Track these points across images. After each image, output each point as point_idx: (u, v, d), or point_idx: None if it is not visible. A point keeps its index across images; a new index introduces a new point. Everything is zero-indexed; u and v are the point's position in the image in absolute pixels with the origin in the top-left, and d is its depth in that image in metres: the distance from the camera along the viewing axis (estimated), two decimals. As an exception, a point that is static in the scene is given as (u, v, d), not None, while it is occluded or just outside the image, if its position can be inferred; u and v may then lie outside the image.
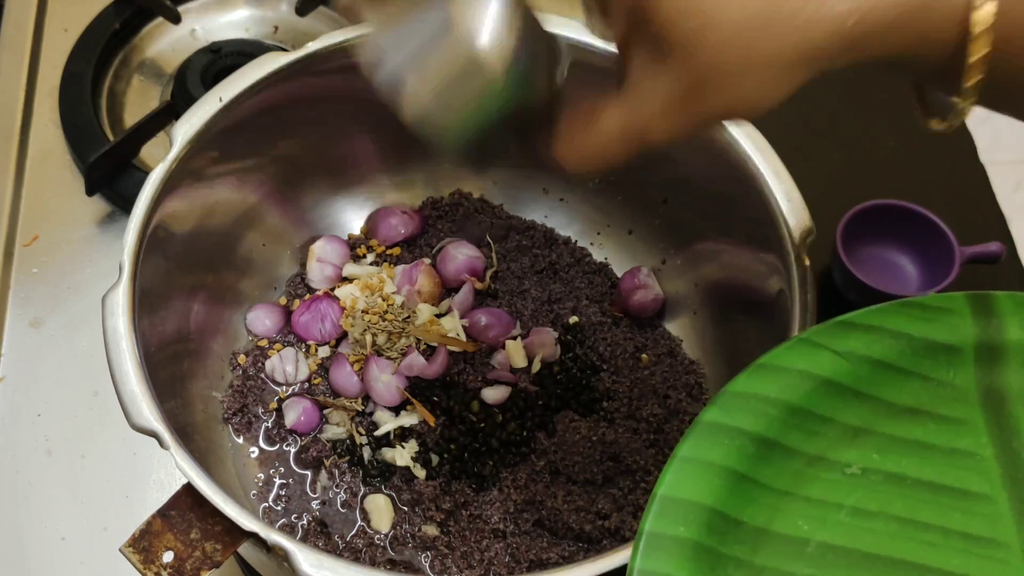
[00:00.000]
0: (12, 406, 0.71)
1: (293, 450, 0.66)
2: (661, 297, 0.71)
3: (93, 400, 0.71)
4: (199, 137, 0.60)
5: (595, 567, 0.47)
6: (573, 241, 0.75)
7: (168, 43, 0.89)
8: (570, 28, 0.64)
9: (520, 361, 0.68)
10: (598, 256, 0.74)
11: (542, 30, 0.43)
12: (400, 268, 0.71)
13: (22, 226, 0.78)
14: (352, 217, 0.75)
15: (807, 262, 0.56)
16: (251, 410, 0.67)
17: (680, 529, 0.41)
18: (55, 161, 0.81)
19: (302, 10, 0.90)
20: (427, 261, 0.72)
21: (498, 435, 0.64)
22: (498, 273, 0.73)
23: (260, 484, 0.64)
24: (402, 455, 0.64)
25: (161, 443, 0.50)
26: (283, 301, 0.72)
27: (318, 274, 0.71)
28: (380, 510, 0.63)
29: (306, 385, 0.68)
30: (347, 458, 0.65)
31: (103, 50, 0.86)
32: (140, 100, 0.86)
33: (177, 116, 0.67)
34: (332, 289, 0.71)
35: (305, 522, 0.63)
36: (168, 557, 0.48)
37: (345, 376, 0.66)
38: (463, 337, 0.68)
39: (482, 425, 0.65)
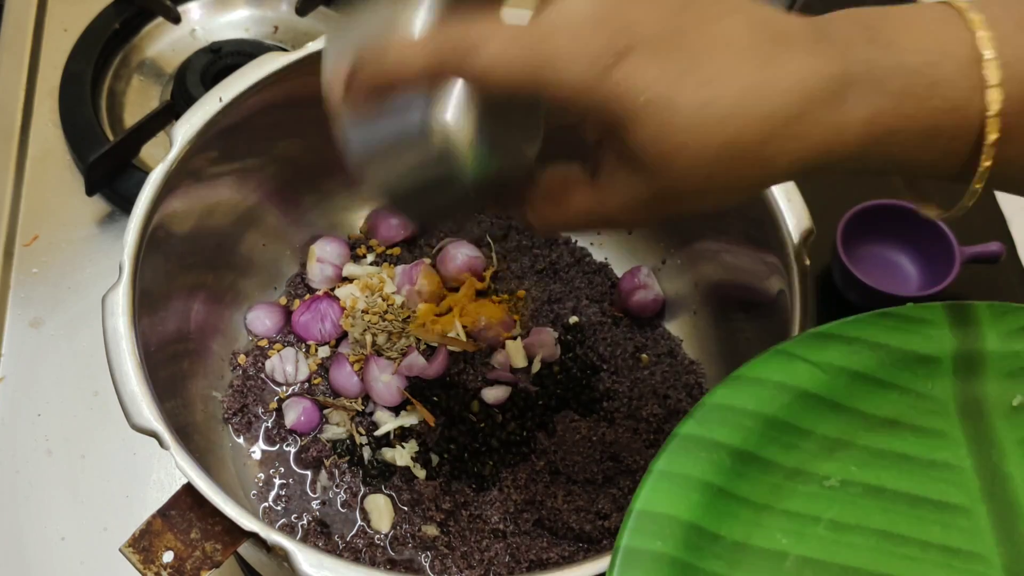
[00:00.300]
0: (12, 406, 0.71)
1: (293, 450, 0.66)
2: (661, 297, 0.71)
3: (93, 400, 0.71)
4: (199, 137, 0.60)
5: (595, 567, 0.47)
6: (573, 241, 0.75)
7: (168, 43, 0.89)
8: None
9: (520, 361, 0.68)
10: (598, 256, 0.74)
11: (515, 110, 0.44)
12: (400, 268, 0.71)
13: (22, 226, 0.78)
14: (352, 217, 0.75)
15: (807, 262, 0.56)
16: (251, 410, 0.67)
17: (657, 544, 0.40)
18: (55, 161, 0.81)
19: (302, 10, 0.90)
20: (427, 261, 0.72)
21: (498, 435, 0.64)
22: (498, 273, 0.73)
23: (260, 484, 0.64)
24: (402, 455, 0.64)
25: (161, 443, 0.50)
26: (283, 301, 0.72)
27: (318, 274, 0.71)
28: (380, 510, 0.63)
29: (306, 385, 0.68)
30: (347, 458, 0.65)
31: (103, 50, 0.86)
32: (140, 100, 0.86)
33: (177, 116, 0.67)
34: (332, 289, 0.71)
35: (305, 522, 0.63)
36: (168, 557, 0.48)
37: (345, 376, 0.66)
38: (463, 337, 0.68)
39: (482, 425, 0.65)
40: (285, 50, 0.65)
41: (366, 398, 0.67)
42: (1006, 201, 0.84)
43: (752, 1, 0.38)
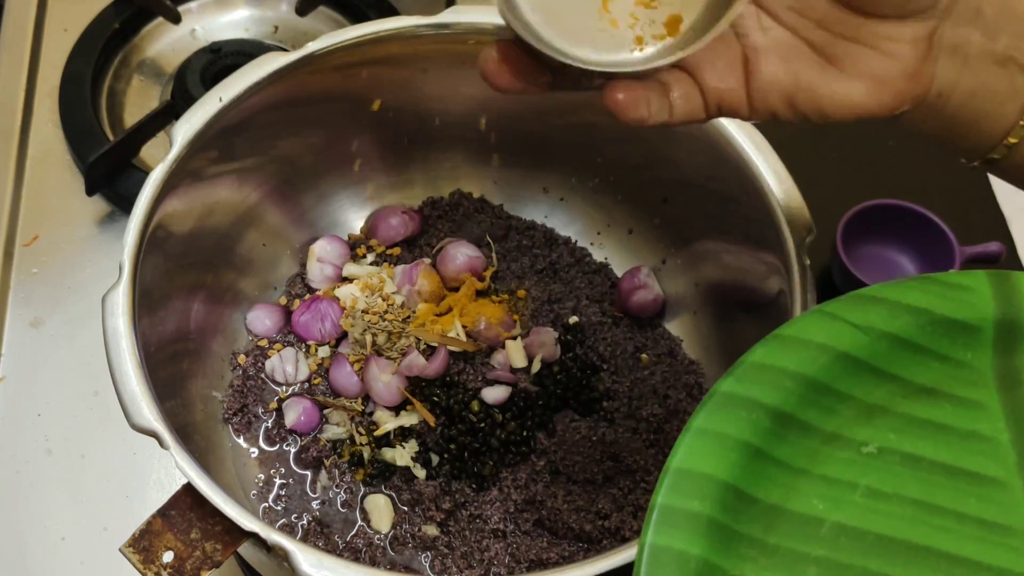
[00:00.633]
0: (12, 406, 0.71)
1: (293, 450, 0.66)
2: (661, 297, 0.71)
3: (93, 400, 0.71)
4: (199, 137, 0.60)
5: (595, 567, 0.47)
6: (573, 241, 0.75)
7: (168, 43, 0.89)
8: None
9: (520, 361, 0.68)
10: (598, 256, 0.74)
11: None
12: (400, 268, 0.71)
13: (22, 226, 0.78)
14: (352, 217, 0.75)
15: (807, 262, 0.56)
16: (251, 410, 0.67)
17: (694, 503, 0.39)
18: (55, 161, 0.81)
19: (302, 10, 0.90)
20: (427, 261, 0.72)
21: (498, 435, 0.64)
22: (498, 273, 0.73)
23: (260, 484, 0.64)
24: (402, 455, 0.64)
25: (161, 443, 0.50)
26: (283, 301, 0.72)
27: (318, 274, 0.71)
28: (380, 510, 0.63)
29: (306, 385, 0.68)
30: (347, 458, 0.65)
31: (103, 50, 0.86)
32: (140, 100, 0.86)
33: (177, 116, 0.67)
34: (332, 289, 0.71)
35: (305, 522, 0.63)
36: (168, 557, 0.48)
37: (345, 376, 0.66)
38: (463, 337, 0.68)
39: (482, 425, 0.65)
40: (285, 50, 0.65)
41: (366, 398, 0.67)
42: (1006, 201, 0.84)
43: None
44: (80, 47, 0.85)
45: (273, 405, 0.67)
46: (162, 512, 0.49)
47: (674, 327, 0.71)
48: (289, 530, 0.62)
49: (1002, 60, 0.41)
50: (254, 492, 0.64)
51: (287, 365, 0.68)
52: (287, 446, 0.66)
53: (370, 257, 0.73)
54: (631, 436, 0.64)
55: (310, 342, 0.69)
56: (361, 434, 0.65)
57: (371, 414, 0.67)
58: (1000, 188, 0.86)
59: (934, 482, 0.42)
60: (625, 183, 0.72)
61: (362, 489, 0.64)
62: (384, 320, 0.68)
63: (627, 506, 0.62)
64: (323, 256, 0.71)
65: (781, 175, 0.59)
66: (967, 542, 0.40)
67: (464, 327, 0.68)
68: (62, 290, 0.75)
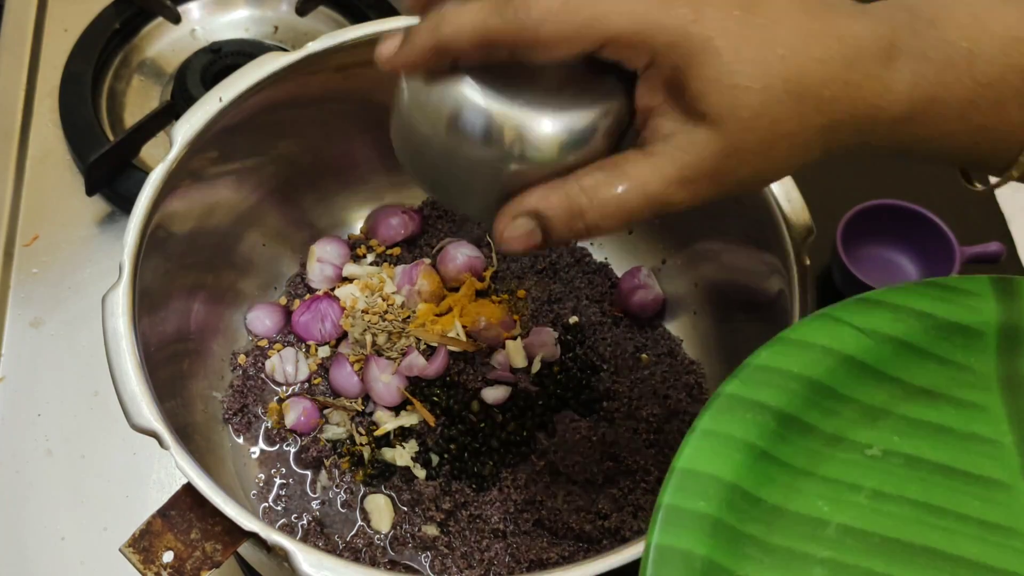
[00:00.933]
0: (12, 406, 0.71)
1: (293, 450, 0.66)
2: (661, 297, 0.71)
3: (93, 400, 0.71)
4: (199, 137, 0.60)
5: (595, 567, 0.47)
6: (573, 241, 0.75)
7: (168, 43, 0.89)
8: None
9: (520, 361, 0.68)
10: (598, 256, 0.74)
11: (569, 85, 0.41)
12: (400, 268, 0.71)
13: (22, 226, 0.78)
14: (352, 217, 0.75)
15: (807, 262, 0.56)
16: (251, 410, 0.67)
17: (700, 504, 0.40)
18: (55, 161, 0.81)
19: (302, 10, 0.90)
20: (427, 261, 0.72)
21: (498, 435, 0.64)
22: (498, 273, 0.73)
23: (260, 484, 0.64)
24: (402, 455, 0.64)
25: (161, 443, 0.50)
26: (283, 301, 0.72)
27: (318, 274, 0.71)
28: (380, 510, 0.63)
29: (306, 385, 0.68)
30: (347, 458, 0.65)
31: (103, 50, 0.86)
32: (140, 100, 0.86)
33: (177, 116, 0.67)
34: (332, 289, 0.71)
35: (305, 522, 0.63)
36: (168, 557, 0.48)
37: (345, 376, 0.66)
38: (463, 337, 0.68)
39: (482, 425, 0.65)
40: (285, 50, 0.65)
41: (366, 398, 0.67)
42: (1006, 201, 0.84)
43: None
44: (80, 47, 0.85)
45: (273, 406, 0.67)
46: (162, 512, 0.49)
47: (674, 327, 0.71)
48: (289, 530, 0.62)
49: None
50: (254, 492, 0.64)
51: (287, 365, 0.68)
52: (287, 446, 0.66)
53: (370, 257, 0.73)
54: (631, 436, 0.64)
55: (310, 342, 0.69)
56: (361, 434, 0.65)
57: (371, 414, 0.67)
58: (1000, 188, 0.85)
59: (937, 484, 0.42)
60: (625, 183, 0.72)
61: (362, 489, 0.64)
62: (384, 320, 0.68)
63: (627, 506, 0.62)
64: (323, 256, 0.71)
65: (781, 175, 0.59)
66: (970, 543, 0.40)
67: (464, 327, 0.68)
68: (62, 290, 0.75)
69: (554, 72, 0.40)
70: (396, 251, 0.73)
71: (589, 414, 0.66)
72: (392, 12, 0.87)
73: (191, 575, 0.48)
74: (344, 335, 0.69)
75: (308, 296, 0.71)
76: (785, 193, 0.58)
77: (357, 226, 0.75)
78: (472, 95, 0.40)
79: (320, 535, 0.62)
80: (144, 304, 0.56)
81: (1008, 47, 0.38)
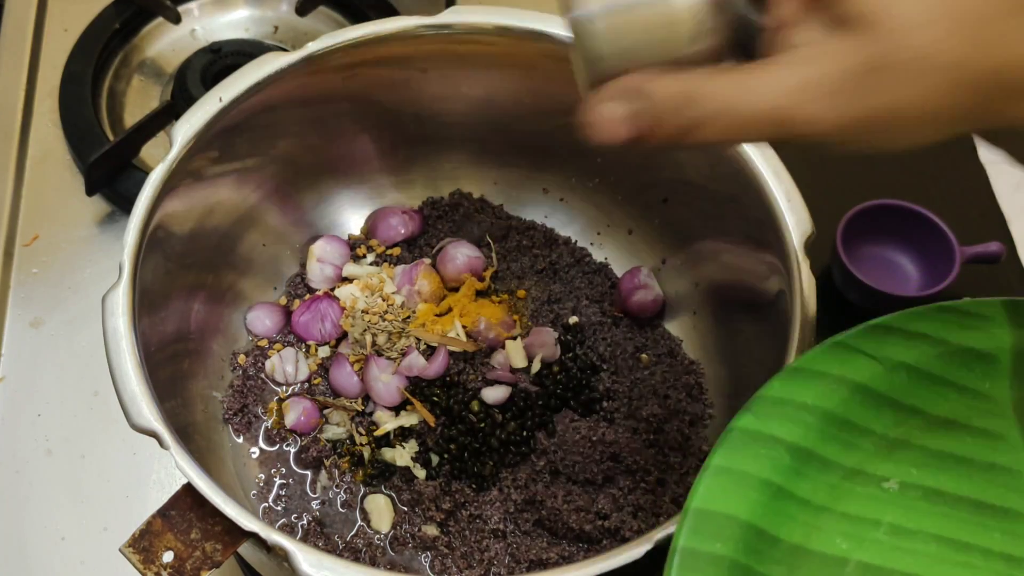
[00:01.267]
0: (12, 406, 0.71)
1: (293, 450, 0.66)
2: (661, 297, 0.71)
3: (93, 400, 0.71)
4: (199, 137, 0.60)
5: (595, 567, 0.47)
6: (573, 241, 0.75)
7: (168, 43, 0.89)
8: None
9: (520, 361, 0.68)
10: (598, 256, 0.74)
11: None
12: (400, 268, 0.71)
13: (22, 226, 0.78)
14: (352, 217, 0.75)
15: (807, 262, 0.56)
16: (251, 410, 0.67)
17: (716, 546, 0.38)
18: (55, 161, 0.81)
19: (302, 10, 0.90)
20: (427, 261, 0.72)
21: (498, 435, 0.64)
22: (498, 273, 0.73)
23: (260, 484, 0.64)
24: (402, 455, 0.64)
25: (161, 443, 0.50)
26: (283, 301, 0.72)
27: (318, 274, 0.71)
28: (380, 510, 0.63)
29: (306, 385, 0.68)
30: (347, 458, 0.65)
31: (103, 50, 0.86)
32: (140, 100, 0.86)
33: (177, 116, 0.67)
34: (332, 289, 0.71)
35: (305, 522, 0.63)
36: (168, 557, 0.48)
37: (345, 376, 0.66)
38: (463, 337, 0.68)
39: (482, 425, 0.65)
40: (285, 50, 0.65)
41: (366, 398, 0.67)
42: (1006, 201, 0.84)
43: None
44: (80, 47, 0.85)
45: (273, 405, 0.67)
46: (162, 512, 0.49)
47: (674, 327, 0.71)
48: (289, 530, 0.62)
49: None
50: (254, 492, 0.64)
51: (287, 365, 0.68)
52: (287, 446, 0.66)
53: (370, 257, 0.73)
54: (631, 436, 0.64)
55: (310, 342, 0.69)
56: (361, 434, 0.65)
57: (371, 414, 0.67)
58: (1000, 188, 0.85)
59: (958, 517, 0.41)
60: (625, 183, 0.72)
61: (362, 489, 0.64)
62: (384, 320, 0.68)
63: (627, 506, 0.62)
64: (323, 256, 0.71)
65: (781, 175, 0.59)
66: None
67: (464, 327, 0.68)
68: (62, 290, 0.75)
69: None
70: (396, 251, 0.73)
71: (589, 414, 0.66)
72: (392, 12, 0.87)
73: (191, 575, 0.48)
74: (344, 335, 0.69)
75: (308, 296, 0.71)
76: (785, 193, 0.58)
77: (357, 226, 0.75)
78: None
79: (320, 535, 0.62)
80: (144, 304, 0.56)
81: None
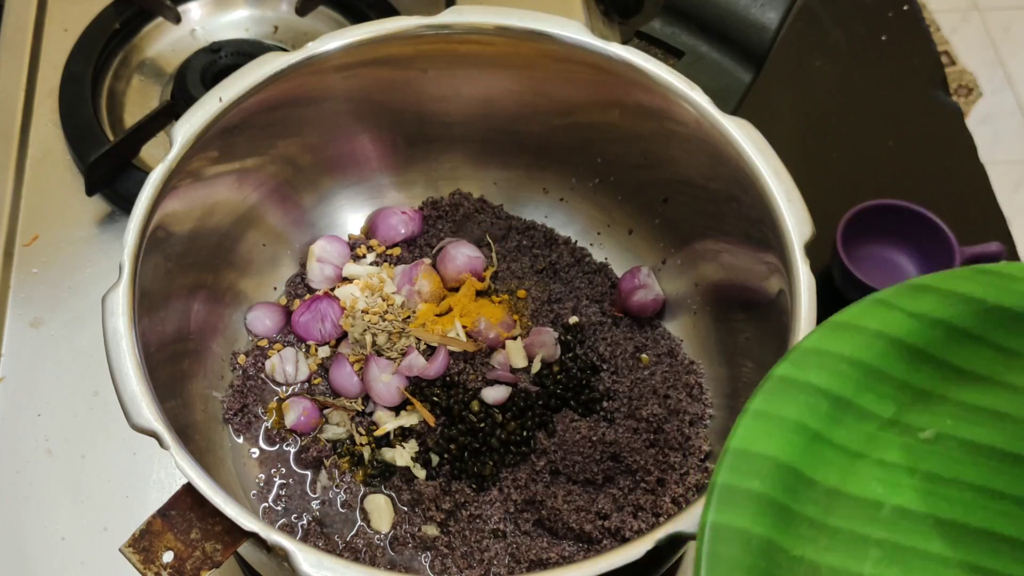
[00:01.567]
0: (12, 406, 0.71)
1: (293, 450, 0.66)
2: (661, 297, 0.71)
3: (93, 400, 0.71)
4: (199, 137, 0.60)
5: (595, 567, 0.47)
6: (573, 241, 0.75)
7: (168, 43, 0.89)
8: (570, 28, 0.64)
9: (520, 361, 0.68)
10: (598, 256, 0.74)
11: None
12: (400, 268, 0.71)
13: (22, 226, 0.78)
14: (352, 217, 0.75)
15: (807, 262, 0.56)
16: (251, 410, 0.67)
17: (755, 483, 0.39)
18: (55, 161, 0.81)
19: (302, 10, 0.90)
20: (427, 261, 0.72)
21: (498, 435, 0.64)
22: (498, 273, 0.73)
23: (260, 484, 0.64)
24: (402, 455, 0.64)
25: (161, 443, 0.50)
26: (283, 301, 0.72)
27: (318, 274, 0.71)
28: (380, 510, 0.63)
29: (306, 385, 0.68)
30: (347, 458, 0.65)
31: (103, 50, 0.86)
32: (140, 100, 0.86)
33: (177, 116, 0.67)
34: (332, 289, 0.71)
35: (305, 522, 0.63)
36: (168, 557, 0.48)
37: (345, 376, 0.66)
38: (463, 337, 0.68)
39: (482, 425, 0.65)
40: (285, 50, 0.65)
41: (366, 398, 0.67)
42: (1006, 201, 0.84)
43: None
44: (80, 47, 0.85)
45: (273, 405, 0.67)
46: (162, 512, 0.49)
47: (674, 327, 0.71)
48: (289, 530, 0.62)
49: None
50: (254, 492, 0.64)
51: (287, 365, 0.68)
52: (287, 446, 0.66)
53: (370, 257, 0.73)
54: (631, 436, 0.64)
55: (310, 342, 0.69)
56: (361, 434, 0.65)
57: (371, 414, 0.67)
58: (1000, 188, 0.86)
59: (993, 467, 0.42)
60: (625, 183, 0.72)
61: (362, 489, 0.64)
62: (384, 320, 0.69)
63: (627, 506, 0.62)
64: (323, 256, 0.71)
65: (781, 175, 0.59)
66: None
67: (464, 327, 0.68)
68: (62, 290, 0.75)
69: None
70: (396, 251, 0.73)
71: (589, 414, 0.66)
72: (392, 12, 0.87)
73: (191, 575, 0.48)
74: (344, 335, 0.69)
75: (308, 296, 0.71)
76: (785, 193, 0.58)
77: (357, 226, 0.75)
78: None
79: (320, 535, 0.62)
80: (144, 304, 0.56)
81: None
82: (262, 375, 0.68)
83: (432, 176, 0.75)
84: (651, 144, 0.67)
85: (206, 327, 0.66)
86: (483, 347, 0.68)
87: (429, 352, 0.67)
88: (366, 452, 0.65)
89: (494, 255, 0.73)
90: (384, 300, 0.69)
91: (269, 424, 0.66)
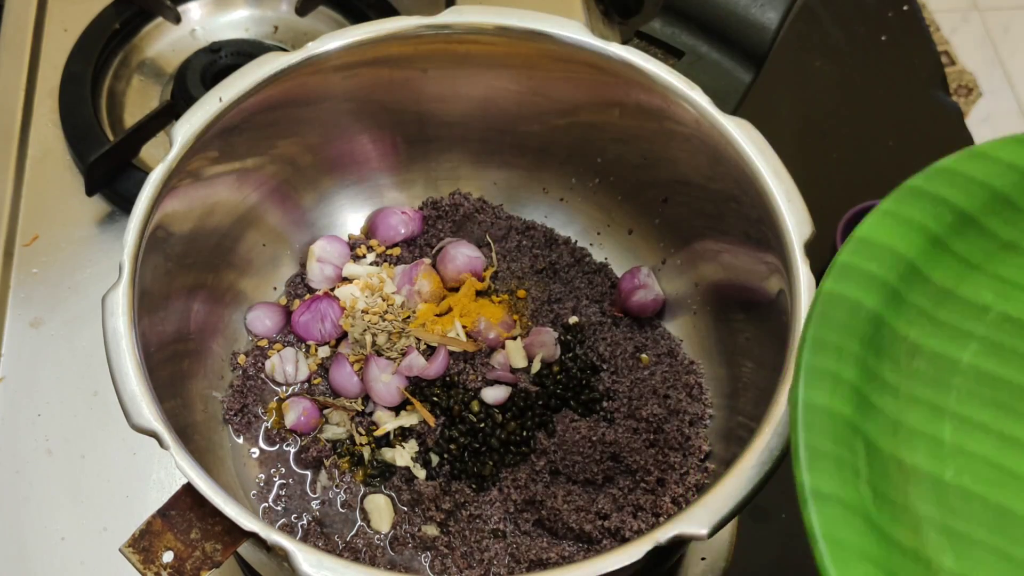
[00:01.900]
0: (12, 406, 0.71)
1: (293, 450, 0.66)
2: (661, 297, 0.71)
3: (93, 400, 0.71)
4: (199, 137, 0.60)
5: (595, 567, 0.47)
6: (573, 241, 0.75)
7: (168, 43, 0.89)
8: (570, 28, 0.64)
9: (520, 361, 0.68)
10: (598, 256, 0.74)
11: None
12: (400, 268, 0.71)
13: (22, 226, 0.78)
14: (352, 217, 0.75)
15: (807, 262, 0.56)
16: (251, 410, 0.67)
17: (873, 265, 0.42)
18: (55, 161, 0.81)
19: (302, 10, 0.90)
20: (427, 261, 0.72)
21: (498, 435, 0.64)
22: (498, 273, 0.73)
23: (260, 484, 0.64)
24: (402, 455, 0.64)
25: (161, 443, 0.50)
26: (283, 301, 0.72)
27: (318, 274, 0.71)
28: (380, 510, 0.63)
29: (306, 385, 0.68)
30: (347, 458, 0.65)
31: (103, 50, 0.86)
32: (140, 100, 0.86)
33: (177, 116, 0.67)
34: (332, 289, 0.71)
35: (305, 522, 0.63)
36: (168, 557, 0.48)
37: (345, 376, 0.66)
38: (463, 337, 0.68)
39: (482, 425, 0.65)
40: (285, 50, 0.65)
41: (366, 398, 0.67)
42: (1006, 201, 0.84)
43: None
44: (80, 47, 0.85)
45: (273, 405, 0.67)
46: (162, 512, 0.49)
47: (674, 327, 0.71)
48: (289, 530, 0.62)
49: None
50: (254, 492, 0.64)
51: (287, 365, 0.68)
52: (287, 446, 0.66)
53: (370, 257, 0.73)
54: (631, 436, 0.64)
55: (310, 342, 0.69)
56: (361, 434, 0.65)
57: (371, 414, 0.67)
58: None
59: None
60: (625, 183, 0.72)
61: (362, 489, 0.64)
62: (384, 320, 0.69)
63: (627, 506, 0.62)
64: (323, 256, 0.71)
65: (781, 175, 0.59)
66: None
67: (464, 327, 0.68)
68: (62, 290, 0.75)
69: None
70: (396, 251, 0.73)
71: (589, 414, 0.66)
72: (392, 12, 0.87)
73: (191, 575, 0.48)
74: (344, 335, 0.69)
75: (308, 296, 0.71)
76: (785, 193, 0.58)
77: (357, 226, 0.75)
78: None
79: (320, 535, 0.62)
80: (144, 304, 0.56)
81: None
82: (262, 375, 0.68)
83: (432, 176, 0.75)
84: (651, 144, 0.67)
85: (206, 327, 0.66)
86: (483, 347, 0.68)
87: (429, 352, 0.67)
88: (366, 452, 0.65)
89: (494, 255, 0.73)
90: (384, 300, 0.69)
91: (269, 424, 0.66)
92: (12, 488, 0.68)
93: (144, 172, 0.75)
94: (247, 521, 0.48)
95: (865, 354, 0.41)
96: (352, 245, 0.74)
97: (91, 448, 0.69)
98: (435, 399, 0.66)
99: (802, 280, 0.56)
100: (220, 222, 0.67)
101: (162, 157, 0.59)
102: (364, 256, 0.73)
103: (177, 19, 0.89)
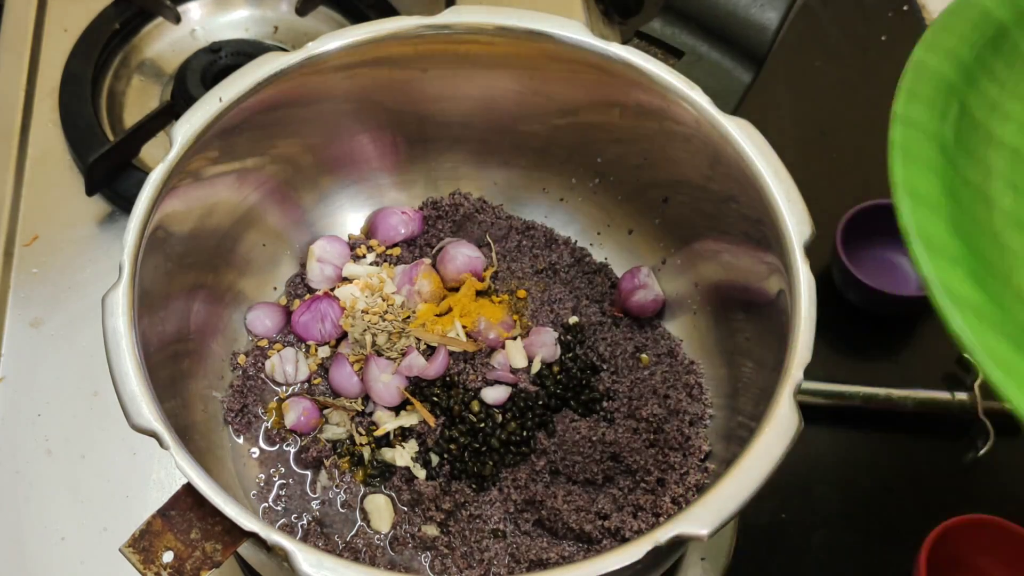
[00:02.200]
0: (12, 406, 0.71)
1: (293, 450, 0.66)
2: (661, 297, 0.71)
3: (93, 400, 0.71)
4: (199, 137, 0.60)
5: (595, 567, 0.47)
6: (573, 241, 0.75)
7: (168, 43, 0.89)
8: (570, 28, 0.64)
9: (520, 361, 0.68)
10: (598, 256, 0.74)
11: None
12: (400, 268, 0.71)
13: (22, 226, 0.78)
14: (352, 217, 0.75)
15: (807, 262, 0.56)
16: (251, 410, 0.67)
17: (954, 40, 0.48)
18: (55, 161, 0.81)
19: (302, 10, 0.90)
20: (427, 261, 0.72)
21: (498, 435, 0.64)
22: (498, 273, 0.73)
23: (260, 484, 0.64)
24: (402, 455, 0.64)
25: (161, 443, 0.50)
26: (283, 301, 0.72)
27: (318, 274, 0.71)
28: (380, 510, 0.63)
29: (306, 385, 0.68)
30: (347, 458, 0.65)
31: (103, 50, 0.86)
32: (140, 100, 0.86)
33: (177, 116, 0.67)
34: (332, 289, 0.71)
35: (305, 522, 0.63)
36: (168, 557, 0.48)
37: (345, 376, 0.66)
38: (463, 337, 0.68)
39: (482, 425, 0.65)
40: (285, 50, 0.65)
41: (366, 398, 0.67)
42: (1006, 201, 0.84)
43: None
44: (80, 47, 0.85)
45: (273, 405, 0.67)
46: (162, 512, 0.49)
47: (674, 327, 0.71)
48: (289, 530, 0.62)
49: None
50: (254, 492, 0.64)
51: (287, 365, 0.68)
52: (287, 446, 0.66)
53: (370, 257, 0.73)
54: (631, 436, 0.64)
55: (310, 342, 0.69)
56: (361, 434, 0.65)
57: (371, 414, 0.67)
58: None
59: None
60: (625, 183, 0.72)
61: (362, 489, 0.64)
62: (384, 320, 0.69)
63: (627, 506, 0.62)
64: (323, 256, 0.71)
65: (781, 175, 0.59)
66: None
67: (464, 327, 0.68)
68: (62, 290, 0.75)
69: None
70: (396, 251, 0.73)
71: (589, 414, 0.66)
72: (392, 12, 0.87)
73: (191, 575, 0.48)
74: (344, 335, 0.69)
75: (308, 296, 0.71)
76: (785, 193, 0.58)
77: (357, 226, 0.75)
78: None
79: (320, 535, 0.62)
80: (144, 304, 0.56)
81: None
82: (262, 375, 0.68)
83: (432, 176, 0.75)
84: (651, 144, 0.67)
85: (206, 327, 0.66)
86: (483, 347, 0.68)
87: (429, 352, 0.67)
88: (366, 452, 0.65)
89: (494, 255, 0.73)
90: (384, 300, 0.69)
91: (269, 424, 0.66)
92: (12, 488, 0.68)
93: (144, 172, 0.74)
94: (247, 521, 0.48)
95: (983, 49, 0.47)
96: (352, 245, 0.74)
97: (91, 448, 0.69)
98: (435, 399, 0.66)
99: (802, 280, 0.55)
100: (220, 222, 0.67)
101: (162, 157, 0.59)
102: (364, 256, 0.73)
103: (177, 19, 0.89)
